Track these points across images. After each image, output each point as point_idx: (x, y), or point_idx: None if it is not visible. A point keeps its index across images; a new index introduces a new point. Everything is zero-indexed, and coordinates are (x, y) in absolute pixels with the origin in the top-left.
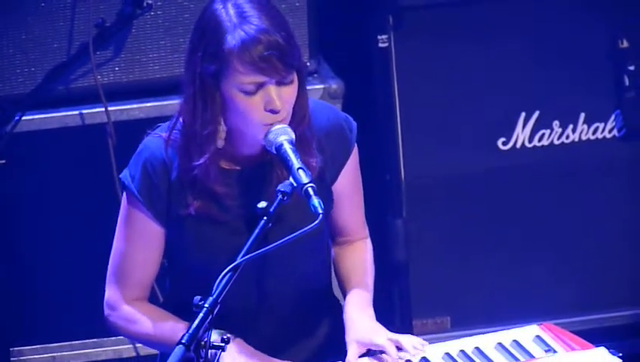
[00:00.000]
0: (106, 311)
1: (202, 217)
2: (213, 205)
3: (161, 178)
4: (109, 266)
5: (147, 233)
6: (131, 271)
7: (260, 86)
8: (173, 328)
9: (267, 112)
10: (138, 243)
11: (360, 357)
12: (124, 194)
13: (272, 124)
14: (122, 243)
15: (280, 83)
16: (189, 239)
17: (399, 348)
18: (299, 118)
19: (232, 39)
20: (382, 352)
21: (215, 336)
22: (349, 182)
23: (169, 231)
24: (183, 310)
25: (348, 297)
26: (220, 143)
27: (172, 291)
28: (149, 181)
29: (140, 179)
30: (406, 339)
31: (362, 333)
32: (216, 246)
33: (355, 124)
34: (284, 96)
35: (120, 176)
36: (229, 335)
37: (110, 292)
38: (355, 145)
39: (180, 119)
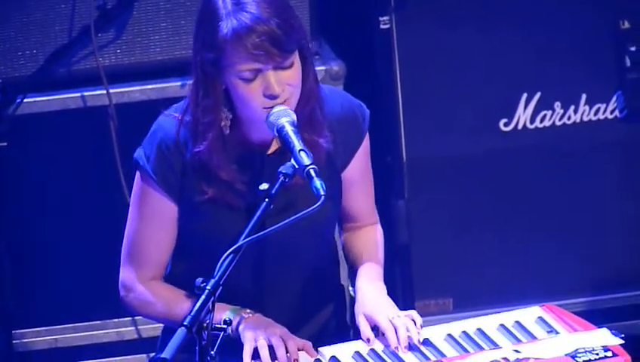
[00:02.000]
0: (122, 292)
1: (218, 203)
2: (226, 190)
3: (175, 158)
4: (123, 247)
5: (162, 212)
6: (146, 251)
7: (258, 72)
8: (189, 308)
9: (266, 98)
10: (153, 222)
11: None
12: (138, 174)
13: (273, 107)
14: (137, 223)
15: (277, 67)
16: (203, 223)
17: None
18: (306, 97)
19: (225, 27)
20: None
21: (232, 314)
22: (360, 169)
23: (180, 212)
24: (181, 287)
25: (360, 269)
26: (226, 130)
27: (172, 271)
28: (163, 161)
29: (155, 159)
30: (402, 329)
31: (366, 307)
32: (228, 231)
33: (367, 111)
34: (284, 79)
35: (135, 155)
36: (233, 318)
37: (125, 273)
38: (367, 132)
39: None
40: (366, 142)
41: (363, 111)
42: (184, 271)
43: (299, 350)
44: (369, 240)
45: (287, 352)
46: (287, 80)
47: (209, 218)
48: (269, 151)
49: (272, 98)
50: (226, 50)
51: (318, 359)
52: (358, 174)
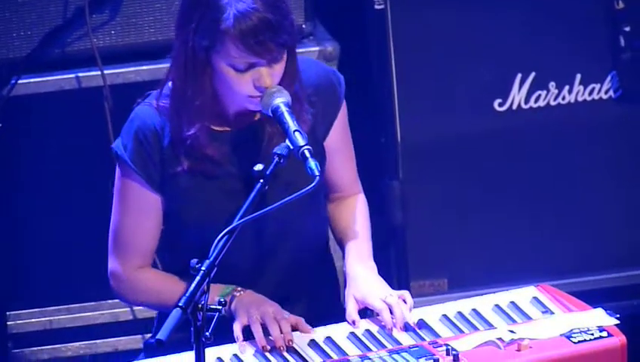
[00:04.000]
0: (112, 282)
1: (196, 174)
2: (206, 164)
3: (153, 146)
4: (109, 237)
5: (143, 201)
6: (131, 241)
7: (252, 65)
8: (179, 292)
9: (255, 88)
10: (135, 212)
11: (359, 312)
12: (118, 164)
13: (259, 96)
14: (119, 213)
15: (272, 62)
16: (184, 197)
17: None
18: (289, 80)
19: (228, 19)
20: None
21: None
22: (339, 137)
23: (165, 197)
24: (180, 276)
25: (347, 249)
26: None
27: (170, 262)
28: (141, 149)
29: (132, 148)
30: (397, 307)
31: (359, 290)
32: (212, 205)
33: (342, 77)
34: (274, 73)
35: (112, 146)
36: (239, 291)
37: (113, 264)
38: (344, 98)
39: (169, 84)
40: (344, 109)
41: (338, 78)
42: (180, 261)
43: (293, 330)
44: (352, 213)
45: (281, 332)
46: (277, 73)
47: (192, 195)
48: (247, 124)
49: (261, 91)
50: (224, 40)
51: (313, 339)
52: (339, 142)
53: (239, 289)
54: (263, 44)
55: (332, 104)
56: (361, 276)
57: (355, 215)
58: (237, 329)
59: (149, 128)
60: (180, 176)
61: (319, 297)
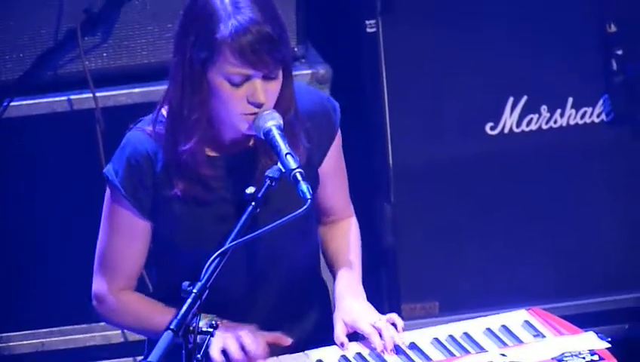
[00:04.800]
0: (94, 303)
1: (188, 199)
2: (200, 187)
3: (145, 171)
4: (95, 258)
5: (132, 227)
6: (117, 264)
7: (247, 78)
8: (160, 316)
9: (250, 104)
10: (123, 236)
11: (348, 337)
12: (108, 188)
13: (253, 114)
14: (107, 236)
15: (266, 77)
16: (177, 225)
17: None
18: (285, 107)
19: (225, 29)
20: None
21: (205, 321)
22: (334, 163)
23: (156, 220)
24: (172, 298)
25: (338, 275)
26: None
27: (160, 281)
28: (133, 176)
29: (123, 173)
30: (386, 331)
31: (348, 315)
32: (204, 231)
33: (337, 104)
34: (269, 90)
35: (104, 171)
36: (217, 321)
37: (97, 284)
38: (339, 126)
39: (164, 110)
40: (339, 135)
41: (333, 105)
42: (170, 279)
43: (272, 344)
44: (344, 237)
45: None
46: (271, 91)
47: (185, 220)
48: (242, 149)
49: (256, 106)
50: (221, 51)
51: None
52: (334, 168)
53: (217, 321)
54: (259, 54)
55: (327, 131)
56: (351, 301)
57: (346, 238)
58: (215, 353)
59: (141, 154)
60: (172, 201)
61: (311, 320)
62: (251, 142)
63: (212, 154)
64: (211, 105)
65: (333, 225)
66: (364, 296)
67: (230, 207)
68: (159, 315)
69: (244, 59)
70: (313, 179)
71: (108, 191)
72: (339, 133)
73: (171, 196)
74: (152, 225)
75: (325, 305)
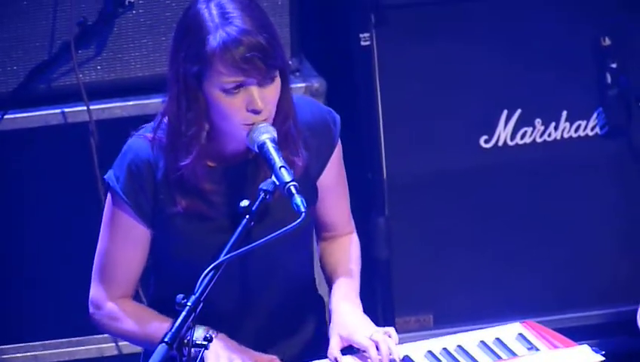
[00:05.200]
0: (91, 310)
1: (191, 215)
2: (201, 203)
3: (146, 179)
4: (94, 265)
5: (132, 233)
6: (116, 271)
7: (241, 85)
8: (157, 325)
9: (249, 112)
10: (123, 243)
11: (343, 350)
12: (109, 194)
13: (253, 124)
14: (107, 243)
15: (262, 83)
16: (178, 238)
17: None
18: (283, 116)
19: (214, 40)
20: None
21: (200, 332)
22: (333, 176)
23: (155, 231)
24: (167, 309)
25: (334, 287)
26: (202, 141)
27: (156, 290)
28: (134, 182)
29: (125, 180)
30: (383, 344)
31: (344, 328)
32: (205, 245)
33: (338, 117)
34: (266, 96)
35: (105, 176)
36: (212, 333)
37: (95, 291)
38: (339, 138)
39: (165, 119)
40: (338, 148)
41: (333, 117)
42: (167, 289)
43: None
44: (344, 252)
45: None
46: (269, 97)
47: (184, 232)
48: (242, 162)
49: (255, 113)
50: (213, 62)
51: None
52: (333, 181)
53: (211, 333)
54: (251, 62)
55: (327, 143)
56: (347, 314)
57: (346, 254)
58: None
59: (143, 161)
60: (174, 210)
61: (306, 335)
62: (252, 155)
63: (212, 164)
64: (211, 119)
65: (333, 241)
66: (361, 308)
67: (231, 219)
68: (157, 325)
69: (236, 69)
70: (311, 192)
71: (108, 197)
72: (339, 145)
73: (173, 205)
74: (151, 233)
75: (320, 320)
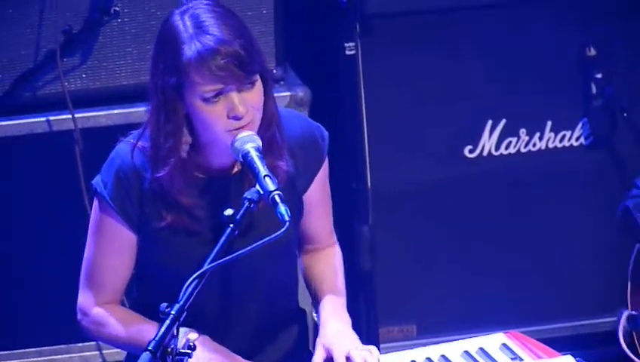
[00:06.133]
0: (79, 316)
1: (177, 229)
2: (186, 217)
3: (133, 185)
4: (81, 271)
5: (119, 239)
6: (103, 277)
7: (220, 93)
8: (144, 331)
9: (231, 119)
10: (110, 249)
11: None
12: (96, 200)
13: (237, 130)
14: (94, 249)
15: (241, 89)
16: (163, 249)
17: None
18: (268, 122)
19: (189, 50)
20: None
21: (182, 341)
22: (319, 191)
23: (140, 240)
24: (150, 314)
25: (322, 302)
26: (184, 154)
27: (139, 295)
28: (121, 188)
29: (112, 185)
30: (358, 359)
31: (327, 339)
32: (190, 257)
33: (327, 133)
34: (247, 100)
35: (92, 182)
36: (195, 342)
37: (82, 297)
38: (327, 154)
39: (147, 129)
40: (325, 164)
41: (322, 133)
42: (149, 297)
43: None
44: (328, 265)
45: None
46: (250, 101)
47: (169, 244)
48: (230, 174)
49: (237, 119)
50: (189, 73)
51: None
52: (319, 196)
53: (194, 342)
54: (228, 70)
55: (314, 158)
56: (333, 327)
57: (330, 266)
58: None
59: (130, 167)
60: (159, 224)
61: (287, 345)
62: (239, 168)
63: (201, 177)
64: (196, 131)
65: (315, 253)
66: (350, 324)
67: (216, 231)
68: (141, 330)
69: (212, 77)
70: (298, 206)
71: (95, 203)
72: (326, 161)
73: (159, 220)
74: (137, 239)
75: (302, 330)
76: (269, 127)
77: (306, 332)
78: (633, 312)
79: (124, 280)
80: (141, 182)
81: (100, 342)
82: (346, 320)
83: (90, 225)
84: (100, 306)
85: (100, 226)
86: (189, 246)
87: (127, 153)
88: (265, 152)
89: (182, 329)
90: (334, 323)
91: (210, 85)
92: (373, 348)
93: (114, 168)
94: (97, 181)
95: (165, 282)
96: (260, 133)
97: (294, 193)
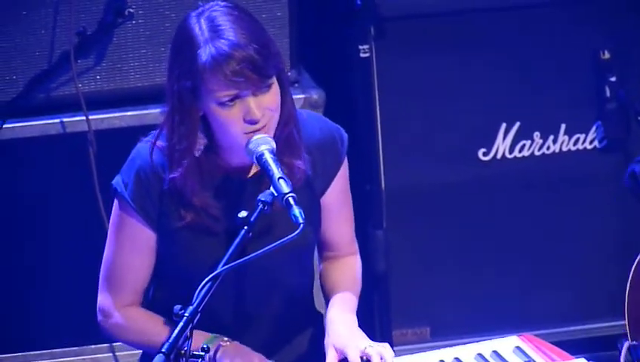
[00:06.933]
0: (100, 318)
1: (195, 229)
2: (205, 216)
3: (153, 185)
4: (101, 272)
5: (140, 239)
6: (124, 278)
7: (236, 97)
8: (164, 334)
9: (247, 123)
10: (130, 249)
11: None
12: (116, 200)
13: (254, 132)
14: (114, 249)
15: (257, 93)
16: (180, 251)
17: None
18: (285, 121)
19: (204, 55)
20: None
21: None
22: (338, 194)
23: (159, 239)
24: (164, 311)
25: (331, 301)
26: (197, 153)
27: (155, 298)
28: (142, 188)
29: (133, 186)
30: (376, 358)
31: (340, 340)
32: (206, 259)
33: (346, 135)
34: (264, 103)
35: (112, 182)
36: (209, 344)
37: (103, 299)
38: (346, 157)
39: (164, 130)
40: (345, 167)
41: (341, 135)
42: (165, 298)
43: None
44: (346, 272)
45: None
46: (266, 104)
47: (187, 244)
48: (248, 176)
49: (253, 123)
50: (204, 77)
51: None
52: (337, 199)
53: (226, 339)
54: (241, 73)
55: (333, 160)
56: (343, 326)
57: (346, 275)
58: None
59: (150, 167)
60: (179, 223)
61: (303, 346)
62: (257, 170)
63: (218, 177)
64: (212, 134)
65: (335, 261)
66: (356, 323)
67: (233, 233)
68: (163, 333)
69: (228, 82)
70: (315, 209)
71: (116, 203)
72: (345, 164)
73: (178, 219)
74: (157, 239)
75: (317, 334)
76: (286, 125)
77: (321, 336)
78: (634, 342)
79: (145, 281)
80: (161, 181)
81: (116, 344)
82: (353, 319)
83: (110, 226)
84: (121, 308)
85: (121, 226)
86: (207, 247)
87: (147, 153)
88: (282, 151)
89: (213, 335)
90: (342, 321)
91: (226, 90)
92: (386, 345)
93: (134, 168)
94: (118, 181)
95: (182, 283)
96: (277, 131)
97: (312, 195)
